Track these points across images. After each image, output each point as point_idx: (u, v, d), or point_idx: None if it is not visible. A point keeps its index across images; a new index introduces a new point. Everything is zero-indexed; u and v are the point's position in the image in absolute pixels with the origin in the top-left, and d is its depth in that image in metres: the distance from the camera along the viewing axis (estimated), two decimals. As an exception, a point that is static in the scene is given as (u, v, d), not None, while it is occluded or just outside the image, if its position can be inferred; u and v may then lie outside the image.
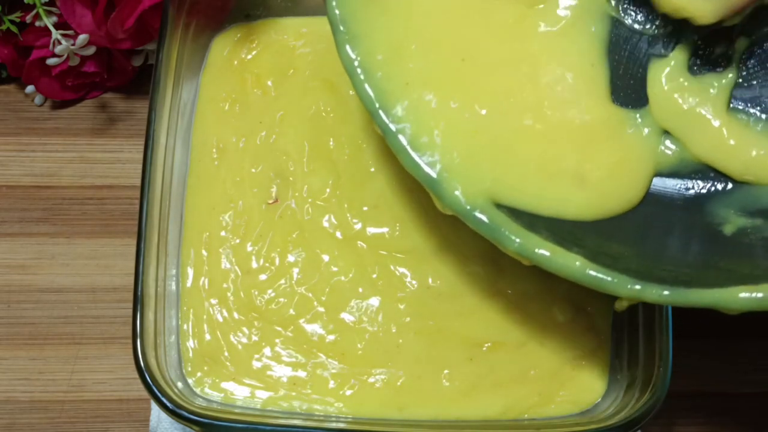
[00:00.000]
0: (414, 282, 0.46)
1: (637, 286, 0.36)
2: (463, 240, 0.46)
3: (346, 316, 0.45)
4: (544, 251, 0.38)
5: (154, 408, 0.47)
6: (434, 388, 0.44)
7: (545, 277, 0.46)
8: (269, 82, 0.50)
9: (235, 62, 0.50)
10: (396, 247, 0.47)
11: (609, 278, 0.37)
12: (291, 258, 0.46)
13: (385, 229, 0.47)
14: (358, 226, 0.47)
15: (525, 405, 0.44)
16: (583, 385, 0.45)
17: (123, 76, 0.54)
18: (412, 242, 0.47)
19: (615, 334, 0.45)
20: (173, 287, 0.45)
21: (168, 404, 0.39)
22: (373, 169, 0.48)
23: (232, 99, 0.49)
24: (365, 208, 0.47)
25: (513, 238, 0.38)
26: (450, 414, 0.44)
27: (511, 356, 0.45)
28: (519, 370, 0.45)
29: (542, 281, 0.46)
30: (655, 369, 0.41)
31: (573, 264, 0.37)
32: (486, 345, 0.45)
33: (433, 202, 0.46)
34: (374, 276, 0.46)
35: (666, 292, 0.36)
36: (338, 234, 0.47)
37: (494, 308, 0.46)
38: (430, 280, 0.46)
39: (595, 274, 0.37)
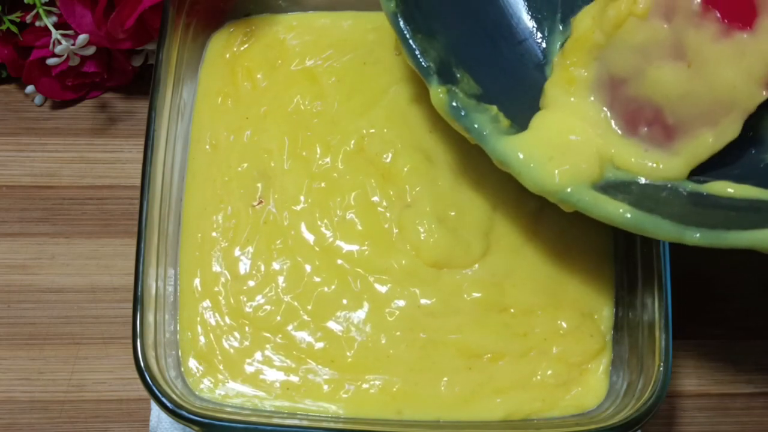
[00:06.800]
0: (401, 301, 0.45)
1: (676, 229, 0.37)
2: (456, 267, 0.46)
3: (333, 325, 0.45)
4: (589, 198, 0.39)
5: (154, 408, 0.47)
6: (432, 394, 0.44)
7: (553, 290, 0.46)
8: (259, 75, 0.50)
9: (227, 55, 0.50)
10: (371, 267, 0.46)
11: (649, 222, 0.38)
12: (276, 266, 0.46)
13: (354, 247, 0.46)
14: (331, 238, 0.46)
15: (527, 410, 0.44)
16: (587, 389, 0.44)
17: (123, 76, 0.54)
18: (386, 264, 0.46)
19: (615, 334, 0.45)
20: (172, 288, 0.45)
21: (168, 404, 0.39)
22: (336, 175, 0.48)
23: (224, 93, 0.49)
24: (336, 219, 0.47)
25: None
26: (450, 418, 0.44)
27: (513, 365, 0.44)
28: (521, 378, 0.44)
29: (549, 294, 0.46)
30: (655, 369, 0.41)
31: (616, 211, 0.38)
32: (486, 356, 0.45)
33: (405, 224, 0.46)
34: (357, 290, 0.45)
35: (705, 235, 0.36)
36: (314, 243, 0.46)
37: (495, 324, 0.45)
38: (421, 300, 0.45)
39: (636, 218, 0.38)
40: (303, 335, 0.45)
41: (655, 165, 0.40)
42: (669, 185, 0.40)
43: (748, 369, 0.50)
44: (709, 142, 0.39)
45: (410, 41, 0.43)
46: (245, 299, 0.45)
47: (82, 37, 0.49)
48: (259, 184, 0.47)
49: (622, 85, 0.40)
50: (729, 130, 0.38)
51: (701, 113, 0.38)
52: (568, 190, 0.39)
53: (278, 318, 0.45)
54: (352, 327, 0.45)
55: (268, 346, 0.45)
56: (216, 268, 0.46)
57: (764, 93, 0.37)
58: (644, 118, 0.40)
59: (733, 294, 0.51)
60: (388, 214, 0.47)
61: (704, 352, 0.51)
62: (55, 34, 0.49)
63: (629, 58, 0.40)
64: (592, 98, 0.41)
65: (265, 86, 0.50)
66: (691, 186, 0.40)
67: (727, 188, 0.39)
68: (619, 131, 0.41)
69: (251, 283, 0.46)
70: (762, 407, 0.50)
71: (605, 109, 0.41)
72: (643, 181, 0.40)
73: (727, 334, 0.51)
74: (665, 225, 0.37)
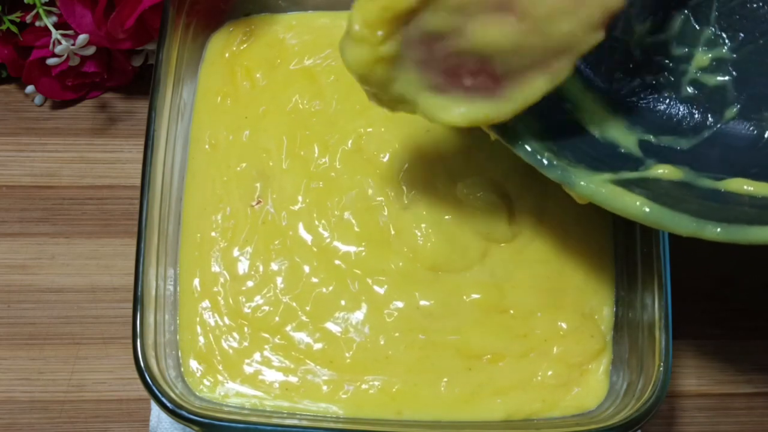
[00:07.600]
0: (399, 302, 0.45)
1: (696, 224, 0.36)
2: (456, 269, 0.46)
3: (332, 326, 0.45)
4: (605, 191, 0.38)
5: (154, 408, 0.48)
6: (432, 394, 0.44)
7: (553, 291, 0.46)
8: (258, 74, 0.50)
9: (227, 55, 0.50)
10: (368, 268, 0.46)
11: (668, 216, 0.37)
12: (274, 266, 0.46)
13: (352, 248, 0.46)
14: (328, 239, 0.46)
15: (528, 411, 0.44)
16: (587, 389, 0.44)
17: (123, 76, 0.54)
18: (384, 266, 0.46)
19: (615, 334, 0.45)
20: (172, 288, 0.45)
21: (168, 404, 0.39)
22: (333, 174, 0.47)
23: (223, 93, 0.49)
24: (333, 219, 0.47)
25: (576, 179, 0.38)
26: (450, 418, 0.43)
27: (513, 366, 0.44)
28: (521, 378, 0.44)
29: (549, 295, 0.45)
30: (655, 369, 0.41)
31: (633, 204, 0.37)
32: (486, 357, 0.45)
33: (402, 226, 0.46)
34: (355, 291, 0.45)
35: (726, 230, 0.36)
36: (312, 243, 0.46)
37: (495, 326, 0.45)
38: (420, 302, 0.45)
39: (655, 212, 0.37)
40: (302, 336, 0.45)
41: (482, 113, 0.38)
42: (685, 182, 0.39)
43: (748, 369, 0.50)
44: (540, 85, 0.37)
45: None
46: (244, 300, 0.45)
47: (82, 37, 0.49)
48: (257, 184, 0.47)
49: (439, 42, 0.38)
50: (562, 72, 0.37)
51: (533, 61, 0.37)
52: (582, 183, 0.38)
53: (277, 319, 0.45)
54: (351, 328, 0.45)
55: (266, 346, 0.45)
56: (215, 268, 0.46)
57: (602, 34, 0.36)
58: (467, 71, 0.38)
59: (733, 294, 0.51)
60: (386, 214, 0.47)
61: (704, 352, 0.51)
62: (55, 34, 0.49)
63: (447, 17, 0.37)
64: (404, 62, 0.38)
65: (264, 85, 0.50)
66: (708, 183, 0.39)
67: (745, 185, 0.38)
68: (437, 88, 0.39)
69: (250, 284, 0.46)
70: (762, 407, 0.50)
71: (418, 68, 0.38)
72: (658, 177, 0.39)
73: (727, 334, 0.51)
74: (684, 219, 0.36)
